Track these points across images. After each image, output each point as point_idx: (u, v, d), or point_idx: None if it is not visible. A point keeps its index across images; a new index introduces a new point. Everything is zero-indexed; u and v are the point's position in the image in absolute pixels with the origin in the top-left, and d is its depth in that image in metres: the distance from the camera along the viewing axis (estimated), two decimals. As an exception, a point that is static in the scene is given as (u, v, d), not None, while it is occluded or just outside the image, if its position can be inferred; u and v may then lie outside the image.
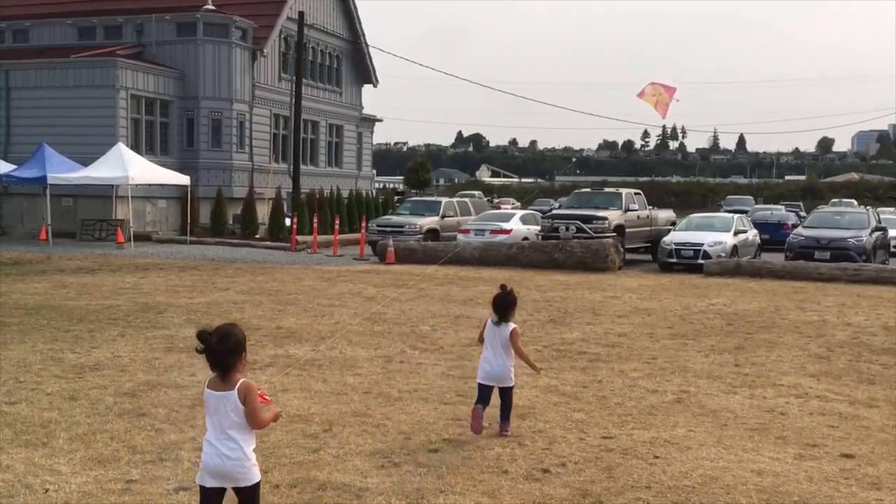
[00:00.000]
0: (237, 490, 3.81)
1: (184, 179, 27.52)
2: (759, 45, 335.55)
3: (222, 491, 3.83)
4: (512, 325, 6.24)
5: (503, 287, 6.40)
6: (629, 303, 14.38)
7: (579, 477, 5.35)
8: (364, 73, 40.90)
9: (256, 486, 3.85)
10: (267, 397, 3.99)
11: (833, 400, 7.61)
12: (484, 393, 6.22)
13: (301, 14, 31.28)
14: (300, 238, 26.27)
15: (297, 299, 13.97)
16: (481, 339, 6.39)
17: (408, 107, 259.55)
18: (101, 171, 25.36)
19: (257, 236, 28.60)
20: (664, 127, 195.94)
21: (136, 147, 28.53)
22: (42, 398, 7.09)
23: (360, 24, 39.67)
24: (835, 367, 9.15)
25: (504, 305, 6.23)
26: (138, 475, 5.20)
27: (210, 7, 31.28)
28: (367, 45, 40.23)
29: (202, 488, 3.83)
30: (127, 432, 6.12)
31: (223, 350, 3.75)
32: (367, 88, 41.74)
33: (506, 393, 6.27)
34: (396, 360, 9.10)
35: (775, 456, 5.88)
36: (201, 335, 3.78)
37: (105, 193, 27.54)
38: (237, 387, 3.75)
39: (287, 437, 6.11)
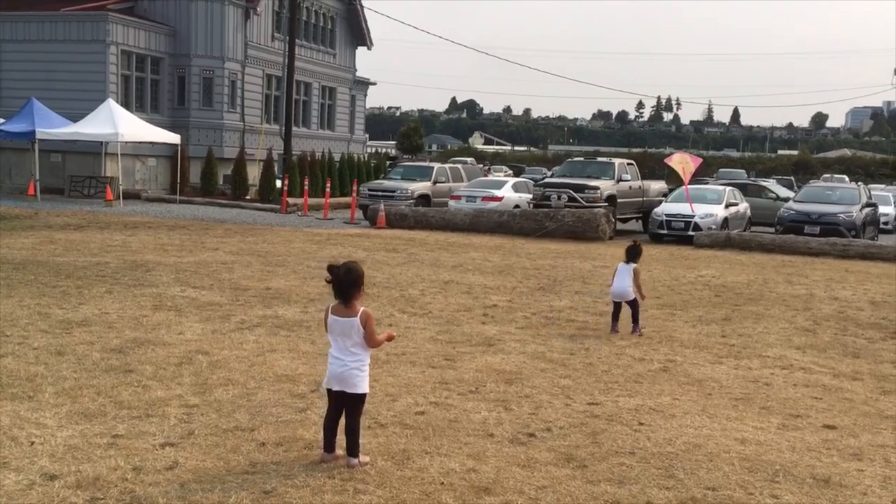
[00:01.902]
0: (349, 396, 4.70)
1: (174, 138, 27.27)
2: (756, 18, 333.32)
3: (342, 395, 4.71)
4: (635, 265, 9.21)
5: (635, 242, 9.58)
6: (618, 272, 14.40)
7: (564, 441, 5.39)
8: (359, 34, 40.44)
9: (363, 397, 4.77)
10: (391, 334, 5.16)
11: (818, 372, 7.67)
12: (616, 307, 9.22)
13: (295, -28, 30.80)
14: (291, 200, 26.15)
15: (286, 261, 13.93)
16: (613, 277, 9.35)
17: (402, 71, 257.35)
18: (90, 127, 25.08)
19: (248, 197, 28.46)
20: (658, 98, 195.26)
21: (126, 104, 28.21)
22: (28, 352, 7.06)
23: (355, -16, 39.13)
24: (820, 340, 9.22)
25: (634, 252, 9.29)
26: (124, 430, 5.20)
27: (203, -38, 30.73)
28: (361, 7, 39.74)
29: (329, 391, 4.79)
30: (114, 388, 6.11)
31: (348, 280, 4.62)
32: (361, 51, 41.37)
33: (632, 304, 9.13)
34: (385, 323, 9.10)
35: (759, 425, 5.93)
36: (331, 268, 4.67)
37: (94, 150, 27.28)
38: (359, 314, 4.66)
39: (274, 396, 6.12)
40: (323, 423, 4.89)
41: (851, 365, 8.04)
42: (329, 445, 4.80)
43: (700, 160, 15.72)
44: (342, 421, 4.79)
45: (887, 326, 10.18)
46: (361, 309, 4.68)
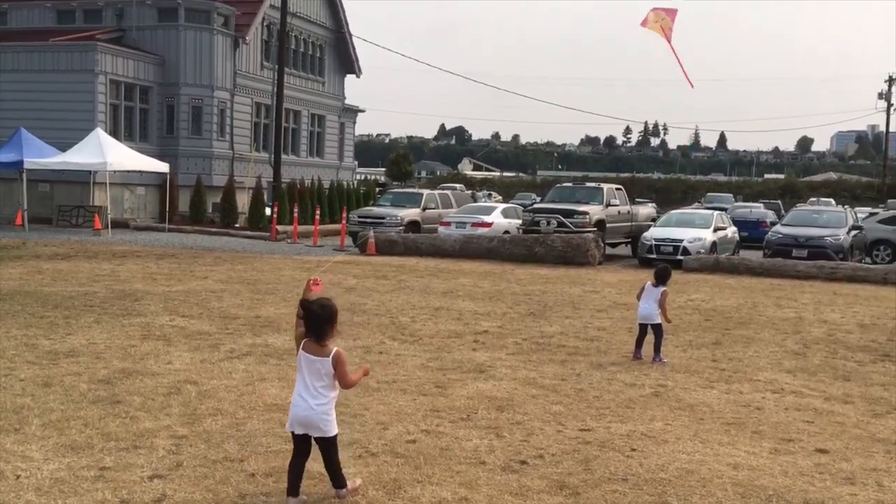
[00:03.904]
0: (317, 439, 4.48)
1: (163, 167, 27.25)
2: (741, 44, 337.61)
3: (307, 438, 4.49)
4: (664, 288, 9.05)
5: (665, 263, 9.82)
6: (609, 297, 14.43)
7: (557, 469, 5.35)
8: (347, 62, 40.68)
9: (334, 437, 4.52)
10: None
11: (809, 396, 7.67)
12: (642, 329, 9.13)
13: (284, 2, 30.97)
14: (280, 228, 26.12)
15: (276, 289, 13.88)
16: (639, 297, 9.24)
17: (391, 98, 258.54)
18: (78, 156, 25.05)
19: (237, 225, 28.41)
20: (646, 123, 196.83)
21: (114, 133, 28.21)
22: (15, 384, 6.98)
23: (343, 13, 39.46)
24: (811, 363, 9.23)
25: (664, 275, 9.10)
26: (112, 462, 5.13)
27: (192, -7, 30.94)
28: (350, 35, 40.02)
29: (293, 434, 4.53)
30: (101, 419, 6.04)
31: (323, 317, 4.39)
32: (349, 79, 41.59)
33: (657, 329, 9.03)
34: (375, 350, 9.07)
35: (751, 450, 5.91)
36: (304, 303, 4.43)
37: (83, 179, 27.22)
38: (331, 356, 4.42)
39: (264, 426, 6.06)
40: (288, 466, 4.60)
41: (842, 388, 8.04)
42: (293, 489, 4.55)
43: (675, 10, 14.94)
44: (309, 463, 4.58)
45: (877, 349, 10.21)
46: (334, 349, 4.45)
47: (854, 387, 8.10)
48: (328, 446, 4.50)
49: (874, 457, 5.88)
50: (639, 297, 9.29)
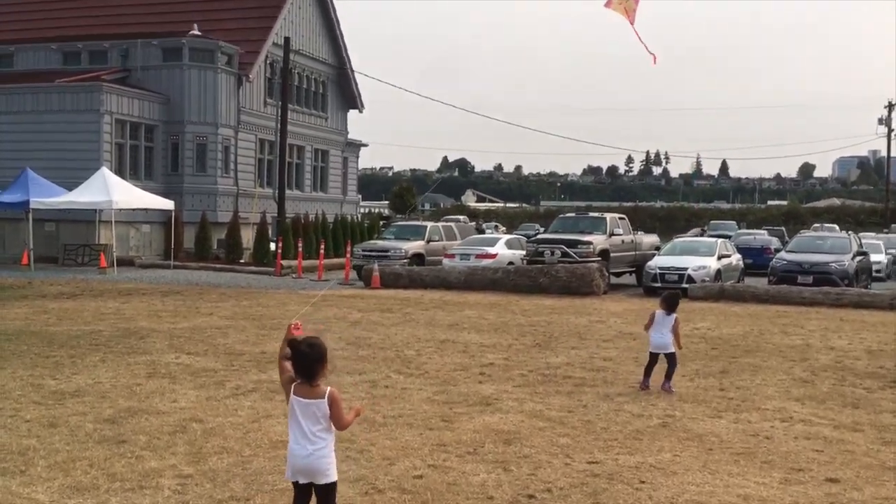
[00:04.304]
0: (317, 487, 4.25)
1: (168, 204, 27.41)
2: (741, 72, 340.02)
3: (310, 486, 4.26)
4: (676, 315, 9.06)
5: (676, 291, 10.08)
6: (614, 327, 14.39)
7: (565, 503, 5.31)
8: (350, 98, 41.05)
9: (335, 484, 4.30)
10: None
11: (818, 424, 7.62)
12: (653, 359, 9.07)
13: (287, 40, 31.43)
14: (285, 262, 26.18)
15: (281, 324, 13.86)
16: (647, 327, 9.20)
17: (393, 131, 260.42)
18: (84, 195, 25.22)
19: (242, 261, 28.46)
20: (647, 152, 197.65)
21: (120, 171, 28.42)
22: (21, 425, 6.98)
23: (345, 49, 39.90)
24: (819, 391, 9.18)
25: (674, 302, 9.15)
26: (117, 503, 5.11)
27: (196, 32, 31.36)
28: (352, 71, 40.43)
29: (295, 484, 4.30)
30: (107, 460, 6.02)
31: (313, 356, 4.16)
32: (352, 113, 41.94)
33: (671, 357, 9.00)
34: (381, 384, 9.04)
35: (761, 480, 5.86)
36: (291, 343, 4.21)
37: (88, 218, 27.37)
38: (326, 396, 4.18)
39: (270, 463, 6.04)
40: None
41: (851, 415, 7.99)
42: None
43: None
44: None
45: (885, 375, 10.15)
46: (328, 389, 4.23)
47: (863, 414, 8.05)
48: (328, 494, 4.28)
49: (885, 485, 5.83)
50: (648, 327, 9.24)
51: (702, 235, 35.88)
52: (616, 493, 5.52)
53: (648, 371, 9.09)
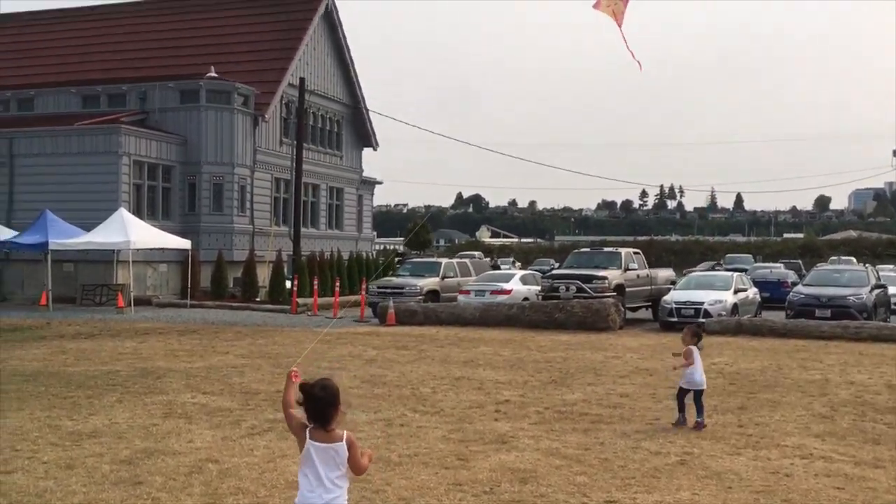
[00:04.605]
0: None
1: (185, 243, 27.66)
2: (754, 104, 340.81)
3: None
4: (687, 348, 9.09)
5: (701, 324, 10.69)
6: (631, 363, 14.31)
7: (582, 543, 5.26)
8: (364, 136, 41.48)
9: None
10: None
11: (838, 461, 7.52)
12: (686, 394, 9.03)
13: (302, 80, 31.90)
14: (300, 300, 26.26)
15: (296, 362, 13.89)
16: (688, 365, 9.07)
17: (408, 169, 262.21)
18: (102, 236, 25.52)
19: (258, 299, 28.59)
20: (661, 186, 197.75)
21: (137, 212, 28.76)
22: (38, 467, 7.01)
23: (360, 89, 40.42)
24: (839, 426, 9.07)
25: (698, 333, 9.37)
26: (134, 545, 5.11)
27: (213, 74, 31.90)
28: (367, 110, 40.93)
29: None
30: (123, 501, 6.04)
31: (327, 400, 4.00)
32: (367, 151, 42.33)
33: (698, 394, 9.02)
34: (397, 423, 9.02)
35: (781, 519, 5.79)
36: (303, 387, 4.03)
37: (106, 258, 27.64)
38: (345, 439, 4.03)
39: (285, 503, 6.03)
40: None
41: (872, 452, 7.88)
42: None
43: None
44: None
45: (907, 410, 10.01)
46: (345, 433, 4.09)
47: (885, 450, 7.94)
48: None
49: (909, 523, 5.73)
50: (688, 365, 9.04)
51: (714, 269, 35.65)
52: (634, 532, 5.46)
53: (685, 406, 8.99)
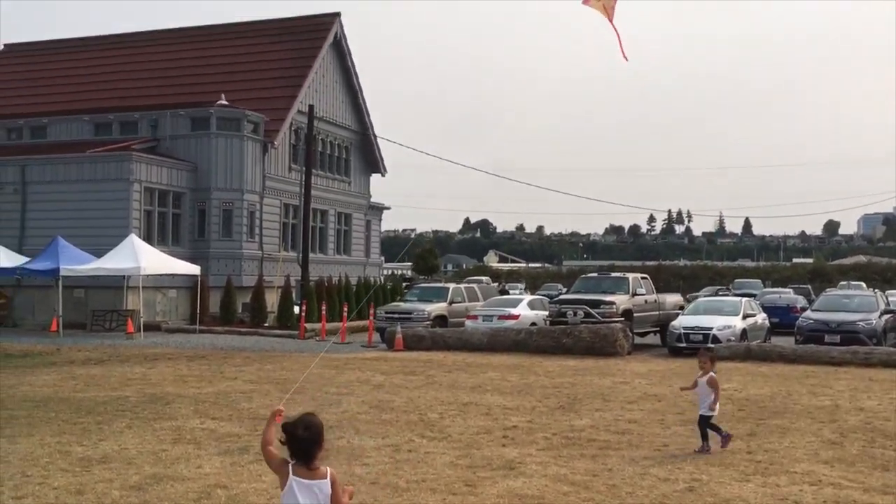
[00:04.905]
0: None
1: (194, 269, 27.82)
2: (762, 129, 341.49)
3: None
4: (711, 375, 9.16)
5: (709, 348, 11.01)
6: (639, 388, 14.28)
7: (590, 569, 5.26)
8: (372, 162, 41.75)
9: None
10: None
11: (847, 487, 7.50)
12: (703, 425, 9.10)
13: (311, 107, 32.21)
14: (309, 326, 26.32)
15: (304, 388, 13.93)
16: (694, 385, 9.30)
17: (416, 194, 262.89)
18: (113, 262, 25.71)
19: (266, 324, 28.66)
20: (669, 211, 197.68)
21: (148, 238, 28.97)
22: (48, 493, 7.06)
23: (368, 115, 40.76)
24: (848, 453, 9.04)
25: (711, 357, 9.42)
26: (144, 571, 5.15)
27: (223, 102, 32.25)
28: (375, 136, 41.21)
29: None
30: (133, 526, 6.08)
31: (311, 438, 3.99)
32: (375, 177, 42.56)
33: (704, 419, 9.06)
34: (404, 449, 9.04)
35: (789, 546, 5.78)
36: (286, 427, 4.00)
37: (116, 284, 27.82)
38: (328, 476, 4.01)
39: (294, 530, 6.04)
40: None
41: (881, 478, 7.85)
42: None
43: None
44: None
45: (917, 436, 9.97)
46: (329, 470, 4.07)
47: (893, 477, 7.91)
48: None
49: (918, 551, 5.71)
50: (694, 386, 9.31)
51: (717, 294, 35.49)
52: (641, 559, 5.46)
53: (707, 433, 9.10)
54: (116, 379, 15.06)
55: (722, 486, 7.49)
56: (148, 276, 26.37)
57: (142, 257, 25.55)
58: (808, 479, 7.81)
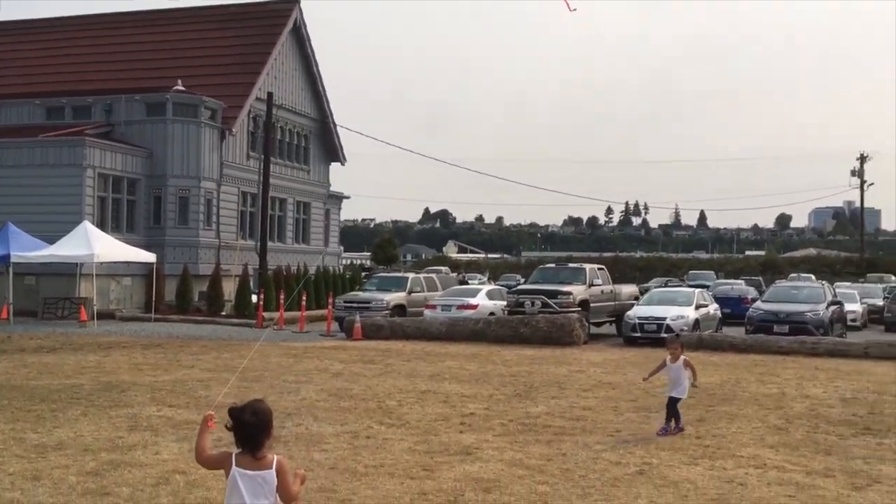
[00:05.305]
0: None
1: (149, 257, 27.46)
2: (717, 124, 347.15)
3: None
4: (685, 357, 9.70)
5: (677, 335, 10.77)
6: (594, 377, 14.55)
7: (543, 548, 5.43)
8: (332, 151, 41.56)
9: None
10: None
11: (791, 470, 7.79)
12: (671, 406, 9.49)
13: (270, 95, 31.93)
14: (266, 314, 26.19)
15: (263, 376, 13.92)
16: (657, 371, 9.88)
17: (376, 183, 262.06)
18: (65, 248, 25.25)
19: (223, 313, 28.43)
20: (626, 203, 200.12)
21: (101, 225, 28.49)
22: (4, 478, 7.00)
23: (328, 104, 40.53)
24: (793, 438, 9.36)
25: (681, 343, 10.04)
26: (102, 554, 5.17)
27: (180, 88, 31.81)
28: (334, 125, 41.02)
29: None
30: (91, 511, 6.08)
31: (259, 425, 3.78)
32: (334, 166, 42.37)
33: (674, 400, 9.48)
34: (363, 435, 9.13)
35: (734, 525, 6.01)
36: (233, 411, 3.79)
37: (69, 271, 27.33)
38: (274, 466, 3.79)
39: (253, 514, 6.10)
40: None
41: (823, 462, 8.17)
42: None
43: None
44: None
45: (857, 423, 10.36)
46: (276, 458, 3.84)
47: (835, 461, 8.23)
48: None
49: (854, 528, 5.99)
50: (658, 369, 9.80)
51: (666, 285, 36.00)
52: (593, 538, 5.64)
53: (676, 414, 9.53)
54: (70, 367, 14.87)
55: (671, 469, 7.73)
56: (102, 263, 25.96)
57: (95, 244, 25.13)
58: (753, 462, 8.09)
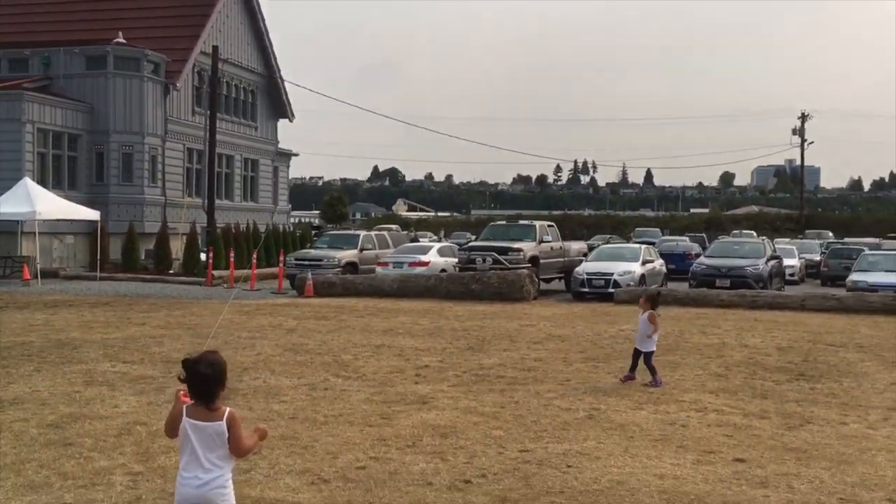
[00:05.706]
0: None
1: (93, 214, 26.93)
2: (664, 83, 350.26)
3: None
4: (650, 312, 9.86)
5: (658, 292, 11.59)
6: (544, 330, 14.94)
7: (498, 486, 5.72)
8: (280, 107, 40.98)
9: None
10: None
11: (729, 413, 8.24)
12: (636, 357, 9.91)
13: (215, 48, 31.26)
14: (216, 273, 26.02)
15: (216, 333, 13.96)
16: (657, 326, 9.98)
17: (324, 141, 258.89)
18: (6, 206, 24.59)
19: (171, 272, 28.14)
20: (575, 161, 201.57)
21: (43, 182, 27.77)
22: (-39, 433, 7.01)
23: (275, 59, 39.85)
24: (732, 384, 9.85)
25: (655, 299, 10.19)
26: (72, 499, 5.29)
27: (121, 40, 30.94)
28: (282, 80, 40.39)
29: None
30: (56, 460, 6.17)
31: (214, 376, 3.72)
32: (282, 123, 41.85)
33: (645, 356, 9.79)
34: (320, 387, 9.32)
35: (675, 462, 6.40)
36: (187, 362, 3.72)
37: (10, 229, 26.67)
38: (225, 418, 3.73)
39: (216, 461, 6.26)
40: None
41: (760, 405, 8.64)
42: None
43: None
44: None
45: (792, 370, 10.92)
46: (228, 410, 3.76)
47: (770, 404, 8.72)
48: None
49: (786, 463, 6.43)
50: (657, 331, 9.97)
51: (607, 242, 36.65)
52: (545, 476, 5.96)
53: (637, 364, 9.92)
54: (17, 325, 14.67)
55: (618, 414, 8.11)
56: (44, 221, 25.41)
57: (37, 201, 24.54)
58: (695, 406, 8.53)
